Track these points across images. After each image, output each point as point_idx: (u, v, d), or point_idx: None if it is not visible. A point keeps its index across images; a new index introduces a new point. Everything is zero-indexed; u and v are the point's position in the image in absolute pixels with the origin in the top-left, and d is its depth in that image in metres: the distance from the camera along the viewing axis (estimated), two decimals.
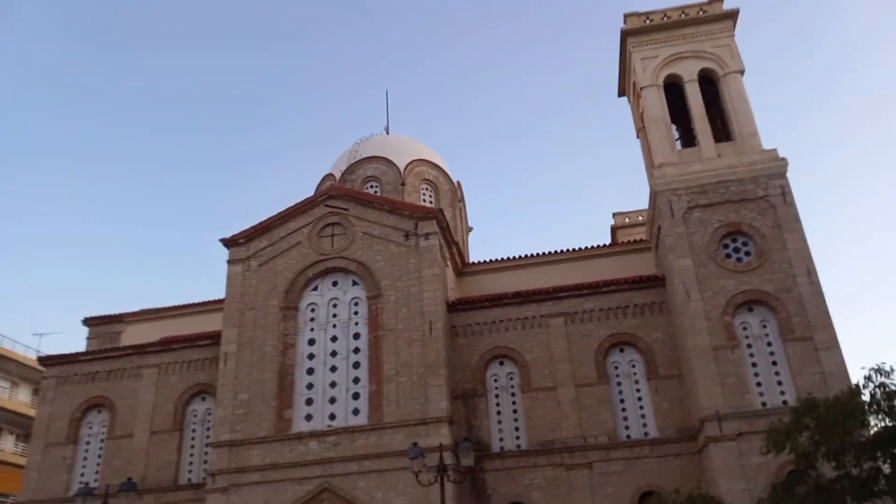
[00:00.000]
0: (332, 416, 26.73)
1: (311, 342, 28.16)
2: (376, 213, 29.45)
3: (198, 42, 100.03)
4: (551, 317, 28.25)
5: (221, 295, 29.99)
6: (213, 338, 29.58)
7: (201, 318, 33.35)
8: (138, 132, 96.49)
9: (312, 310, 28.74)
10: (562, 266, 32.27)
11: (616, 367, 27.39)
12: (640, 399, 26.73)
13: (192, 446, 29.30)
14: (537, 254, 33.23)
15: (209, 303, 33.97)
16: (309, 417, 26.84)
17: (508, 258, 33.49)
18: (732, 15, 29.44)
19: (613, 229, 40.67)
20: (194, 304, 34.79)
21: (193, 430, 29.58)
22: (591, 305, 28.18)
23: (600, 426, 26.12)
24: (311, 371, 27.65)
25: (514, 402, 27.50)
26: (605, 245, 33.89)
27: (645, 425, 26.27)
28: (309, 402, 27.14)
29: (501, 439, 27.05)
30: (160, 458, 28.74)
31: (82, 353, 31.81)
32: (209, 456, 27.20)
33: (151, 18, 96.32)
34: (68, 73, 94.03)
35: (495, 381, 28.01)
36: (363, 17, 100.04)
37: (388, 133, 42.65)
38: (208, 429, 29.08)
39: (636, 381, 27.02)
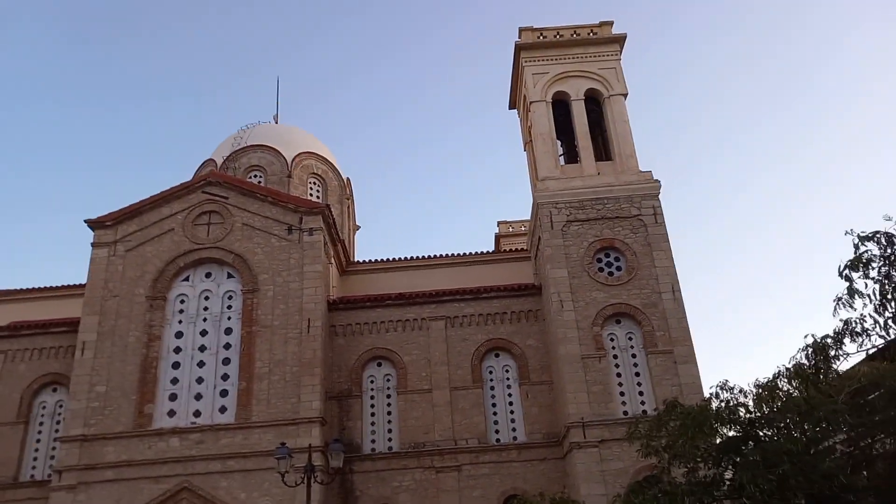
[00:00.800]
0: (198, 413, 25.56)
1: (179, 335, 26.81)
2: (258, 204, 28.47)
3: (77, 17, 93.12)
4: (432, 319, 28.44)
5: (83, 280, 27.98)
6: (70, 325, 27.54)
7: (58, 304, 30.82)
8: (10, 105, 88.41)
9: (182, 301, 27.36)
10: (446, 270, 32.56)
11: (491, 372, 27.95)
12: (511, 404, 27.41)
13: (39, 441, 27.12)
14: (423, 256, 33.35)
15: (68, 287, 31.49)
16: (172, 413, 25.54)
17: (394, 259, 33.39)
18: (619, 39, 30.85)
19: (498, 237, 41.60)
20: (51, 288, 32.09)
21: (41, 424, 27.41)
22: (472, 310, 28.63)
23: (472, 429, 26.54)
24: (176, 365, 26.32)
25: (388, 404, 27.45)
26: (488, 252, 34.59)
27: (514, 430, 26.95)
28: (173, 397, 25.82)
29: (374, 441, 26.90)
30: (0, 453, 26.33)
31: None
32: (57, 451, 25.26)
33: None
34: None
35: (372, 382, 27.83)
36: (258, 8, 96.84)
37: (276, 122, 41.38)
38: (58, 422, 27.03)
39: (508, 387, 27.69)
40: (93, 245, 27.93)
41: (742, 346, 72.23)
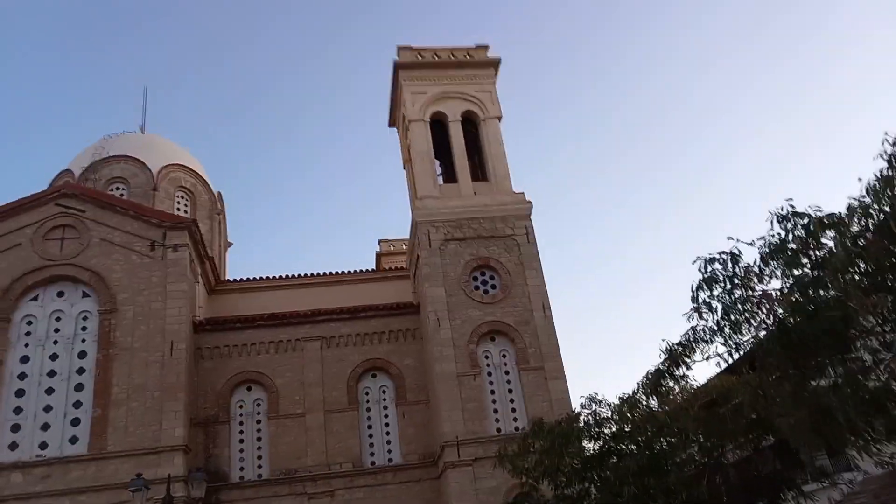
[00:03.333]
0: (44, 445, 23.37)
1: (25, 360, 24.48)
2: (118, 218, 26.65)
3: None
4: (307, 340, 27.67)
5: None
6: None
7: None
8: None
9: (29, 322, 25.04)
10: (324, 289, 31.73)
11: (367, 393, 27.51)
12: (387, 425, 27.05)
13: None
14: (299, 275, 32.40)
15: None
16: (14, 446, 23.21)
17: (267, 277, 32.20)
18: (494, 63, 31.68)
19: (378, 255, 41.30)
20: None
21: None
22: (349, 330, 28.12)
23: (346, 453, 25.94)
24: (21, 393, 23.98)
25: (258, 430, 26.32)
26: (369, 270, 34.15)
27: (390, 451, 26.60)
28: (15, 428, 23.48)
29: (242, 468, 25.66)
30: None
31: None
32: None
33: None
34: None
35: (241, 407, 26.62)
36: (129, 8, 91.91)
37: (143, 132, 39.12)
38: None
39: (385, 407, 27.33)
40: None
41: (612, 360, 75.74)
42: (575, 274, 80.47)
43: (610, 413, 15.96)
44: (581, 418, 16.27)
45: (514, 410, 25.56)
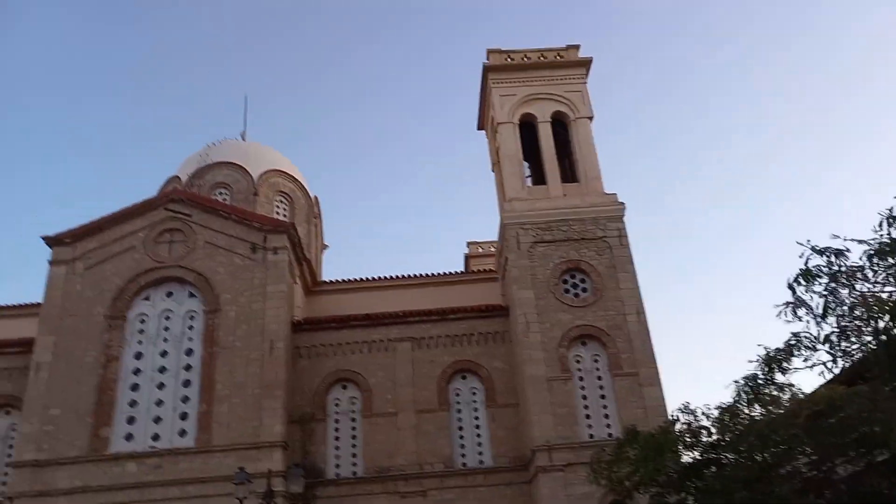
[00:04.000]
0: (156, 437, 24.88)
1: (139, 356, 26.14)
2: (222, 222, 28.03)
3: (39, 15, 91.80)
4: (398, 341, 28.13)
5: (38, 299, 27.21)
6: (24, 345, 26.69)
7: (12, 323, 29.90)
8: None
9: (142, 321, 26.73)
10: (415, 291, 32.22)
11: (457, 394, 27.67)
12: (478, 427, 27.11)
13: None
14: (391, 277, 33.02)
15: (23, 306, 30.60)
16: (130, 437, 24.83)
17: (361, 279, 33.02)
18: (585, 63, 31.19)
19: (467, 258, 41.51)
20: (5, 307, 31.16)
21: None
22: (439, 331, 28.38)
23: (437, 453, 26.19)
24: (135, 387, 25.63)
25: (353, 428, 26.95)
26: (457, 272, 34.40)
27: (481, 454, 26.64)
28: (131, 420, 25.11)
29: (338, 466, 26.38)
30: None
31: None
32: (8, 478, 24.35)
33: None
34: None
35: (336, 405, 27.36)
36: (229, 18, 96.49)
37: (244, 139, 40.95)
38: (11, 446, 26.10)
39: (475, 409, 27.41)
40: (50, 263, 27.25)
41: (708, 365, 72.89)
42: (669, 277, 77.93)
43: (707, 422, 15.38)
44: (676, 426, 15.75)
45: (606, 416, 25.06)
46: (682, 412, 15.65)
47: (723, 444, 15.57)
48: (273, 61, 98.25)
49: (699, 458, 15.98)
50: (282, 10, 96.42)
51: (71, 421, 24.59)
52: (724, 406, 14.76)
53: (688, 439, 15.24)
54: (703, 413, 15.36)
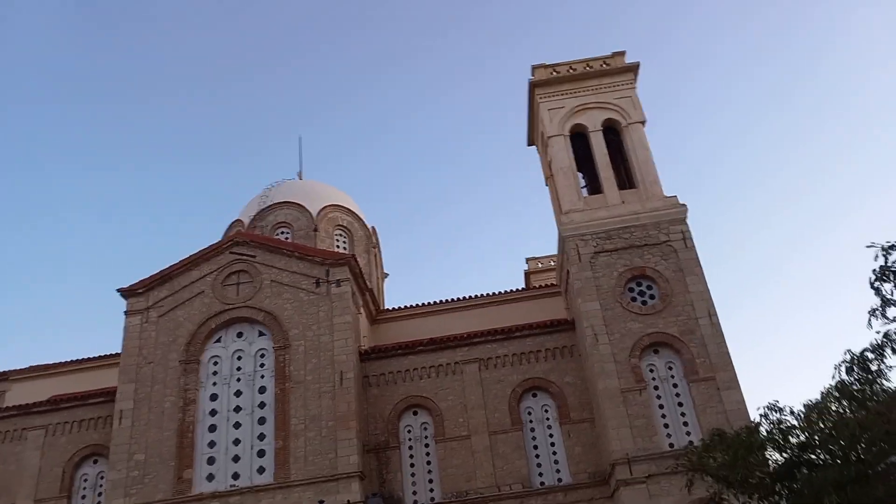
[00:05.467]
0: (236, 476, 25.33)
1: (214, 397, 26.79)
2: (285, 260, 28.66)
3: (98, 83, 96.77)
4: (465, 363, 27.98)
5: (117, 350, 28.31)
6: (108, 395, 27.77)
7: (95, 375, 31.26)
8: (34, 176, 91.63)
9: (215, 363, 27.42)
10: (477, 311, 32.24)
11: (529, 413, 27.26)
12: (553, 444, 26.60)
13: None
14: (452, 299, 33.14)
15: (104, 357, 31.97)
16: (211, 477, 25.36)
17: (423, 304, 33.21)
18: (633, 68, 30.79)
19: (527, 274, 41.22)
20: (87, 360, 32.62)
21: (83, 497, 27.38)
22: (505, 350, 28.12)
23: (514, 474, 25.77)
24: (213, 428, 26.23)
25: (427, 454, 26.84)
26: (519, 290, 34.25)
27: (558, 471, 26.10)
28: (211, 461, 25.66)
29: (415, 493, 26.24)
30: None
31: None
32: None
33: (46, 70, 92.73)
34: None
35: (409, 431, 27.32)
36: (276, 63, 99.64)
37: (300, 178, 42.01)
38: (100, 494, 26.99)
39: (549, 427, 26.92)
40: (126, 313, 28.33)
41: (785, 368, 69.76)
42: (738, 281, 75.31)
43: (796, 421, 14.68)
44: (762, 428, 15.08)
45: (685, 424, 24.23)
46: (770, 410, 14.96)
47: (813, 443, 14.85)
48: (321, 96, 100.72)
49: (789, 458, 15.27)
50: (318, 40, 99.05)
51: (155, 465, 25.30)
52: (812, 404, 14.08)
53: (777, 439, 14.54)
54: (790, 412, 14.68)
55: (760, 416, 15.27)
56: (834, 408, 13.69)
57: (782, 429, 14.64)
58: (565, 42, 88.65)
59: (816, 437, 14.56)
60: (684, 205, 27.67)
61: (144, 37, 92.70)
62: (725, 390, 24.01)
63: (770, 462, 16.00)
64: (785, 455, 15.27)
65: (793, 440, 14.83)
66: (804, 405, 14.61)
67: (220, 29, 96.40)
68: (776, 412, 14.91)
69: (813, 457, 14.70)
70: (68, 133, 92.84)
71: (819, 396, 14.06)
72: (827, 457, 14.59)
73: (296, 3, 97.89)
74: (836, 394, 13.23)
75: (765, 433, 14.95)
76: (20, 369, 32.86)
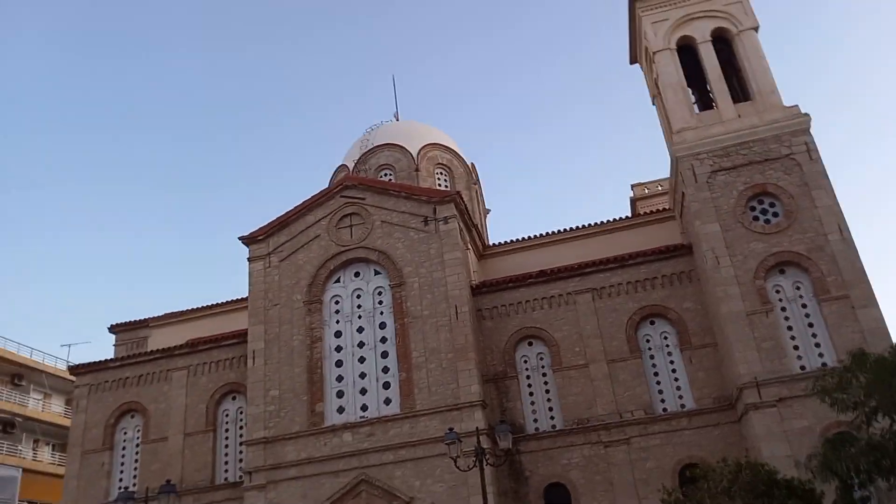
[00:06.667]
0: (364, 408, 26.59)
1: (338, 334, 27.99)
2: (393, 201, 29.12)
3: (198, 39, 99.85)
4: (578, 293, 27.81)
5: (245, 294, 29.92)
6: (240, 336, 29.54)
7: (226, 318, 33.33)
8: (147, 139, 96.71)
9: (336, 302, 28.55)
10: (584, 241, 31.78)
11: (648, 340, 26.93)
12: (674, 371, 26.26)
13: (227, 446, 29.31)
14: (557, 231, 32.75)
15: (233, 302, 33.93)
16: (341, 410, 26.73)
17: (528, 237, 33.01)
18: None
19: (633, 200, 40.07)
20: (218, 304, 34.77)
21: (226, 430, 29.57)
22: (619, 279, 27.70)
23: (635, 401, 25.72)
24: (339, 363, 27.50)
25: (545, 383, 27.15)
26: (626, 217, 33.41)
27: (681, 397, 25.83)
28: (340, 394, 27.01)
29: (536, 420, 26.74)
30: (196, 460, 28.77)
31: (111, 360, 31.84)
32: (244, 454, 27.21)
33: (147, 18, 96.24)
34: (67, 84, 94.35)
35: (525, 361, 27.67)
36: (364, 6, 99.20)
37: (397, 119, 42.17)
38: (241, 427, 29.08)
39: (669, 353, 26.54)
40: (249, 260, 29.76)
41: None
42: (867, 191, 70.29)
43: None
44: None
45: (817, 346, 23.25)
46: None
47: None
48: (414, 34, 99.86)
49: None
50: None
51: (289, 400, 26.91)
52: None
53: None
54: None
55: None
56: None
57: None
58: None
59: None
60: (807, 114, 25.86)
61: None
62: (861, 308, 22.76)
63: None
64: None
65: None
66: None
67: None
68: None
69: None
70: (182, 94, 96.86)
71: None
72: None
73: None
74: None
75: None
76: (158, 316, 35.43)
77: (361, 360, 27.35)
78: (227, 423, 29.73)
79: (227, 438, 29.46)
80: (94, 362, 31.58)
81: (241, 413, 29.35)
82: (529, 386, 27.32)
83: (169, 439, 29.24)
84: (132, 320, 35.55)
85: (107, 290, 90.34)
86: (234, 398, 29.98)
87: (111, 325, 35.76)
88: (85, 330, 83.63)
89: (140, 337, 35.13)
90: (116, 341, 35.54)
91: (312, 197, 29.92)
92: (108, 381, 31.01)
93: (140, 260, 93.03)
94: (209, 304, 35.03)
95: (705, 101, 29.29)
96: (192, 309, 35.09)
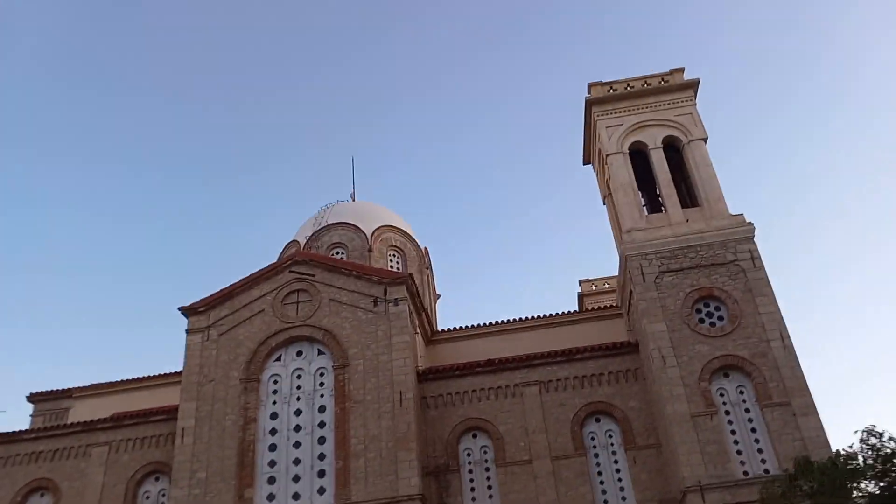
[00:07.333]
0: (297, 496, 25.14)
1: (274, 416, 26.76)
2: (344, 279, 28.68)
3: (155, 98, 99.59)
4: (525, 385, 27.45)
5: (179, 367, 28.56)
6: (170, 412, 27.96)
7: (157, 392, 31.69)
8: (97, 179, 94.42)
9: (275, 381, 27.44)
10: (532, 333, 31.78)
11: (593, 438, 26.53)
12: (618, 471, 25.79)
13: None
14: (507, 320, 32.74)
15: (166, 375, 32.38)
16: (271, 497, 25.22)
17: (478, 325, 32.84)
18: (693, 84, 30.27)
19: (580, 296, 40.51)
20: (149, 378, 33.08)
21: None
22: (566, 373, 27.51)
23: (579, 500, 25.02)
24: (273, 447, 26.15)
25: (488, 478, 26.25)
26: (574, 311, 33.69)
27: (624, 498, 25.27)
28: (271, 480, 25.55)
29: None
30: None
31: (25, 432, 29.59)
32: None
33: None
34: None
35: (468, 454, 26.82)
36: (326, 83, 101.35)
37: (354, 200, 42.31)
38: None
39: (613, 452, 26.14)
40: (187, 332, 28.61)
41: (869, 393, 66.80)
42: (806, 298, 72.92)
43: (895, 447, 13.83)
44: (860, 455, 14.25)
45: (760, 451, 23.22)
46: (869, 434, 14.14)
47: None
48: (375, 118, 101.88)
49: (887, 488, 14.39)
50: (368, 58, 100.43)
51: (216, 483, 25.30)
52: None
53: (877, 467, 13.70)
54: (890, 438, 13.84)
55: (859, 440, 14.44)
56: None
57: (883, 455, 13.79)
58: (615, 60, 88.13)
59: None
60: (751, 224, 26.88)
61: (201, 53, 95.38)
62: (802, 416, 22.98)
63: (858, 493, 15.12)
64: (882, 484, 14.39)
65: (893, 469, 13.96)
66: None
67: (270, 48, 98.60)
68: (875, 437, 14.08)
69: None
70: (132, 151, 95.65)
71: None
72: None
73: (348, 18, 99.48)
74: None
75: (862, 461, 14.11)
76: (83, 387, 33.46)
77: (297, 444, 26.07)
78: None
79: None
80: (5, 433, 29.28)
81: (164, 496, 27.41)
82: (472, 481, 26.36)
83: None
84: (53, 389, 33.47)
85: (29, 357, 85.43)
86: (157, 479, 28.06)
87: (30, 394, 33.56)
88: (1, 398, 78.11)
89: (61, 408, 33.01)
90: (34, 411, 33.30)
91: (260, 270, 29.28)
92: (19, 454, 28.71)
93: (69, 327, 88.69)
94: (139, 376, 33.28)
95: (655, 204, 30.25)
96: (121, 381, 33.28)
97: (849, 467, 14.14)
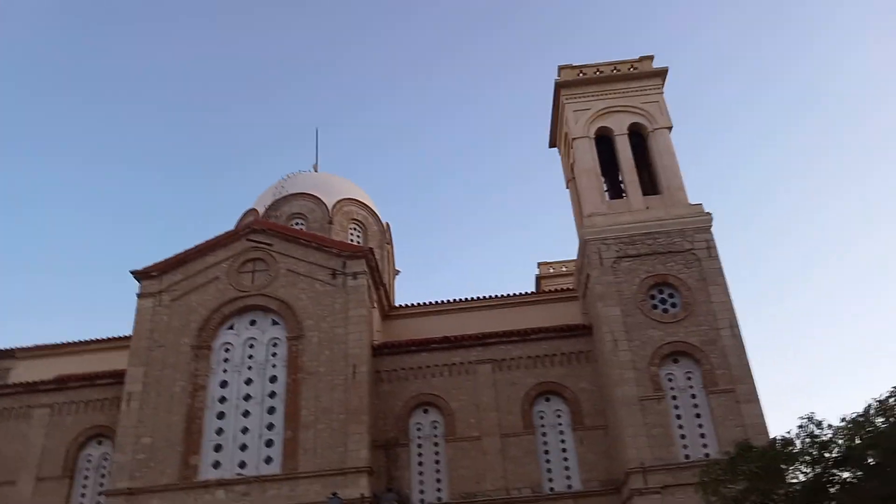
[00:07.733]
0: (243, 465, 24.94)
1: (224, 384, 26.42)
2: (302, 250, 28.29)
3: (127, 57, 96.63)
4: (479, 363, 27.61)
5: (129, 332, 27.93)
6: (116, 376, 27.40)
7: (104, 356, 30.87)
8: (56, 160, 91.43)
9: (227, 350, 27.05)
10: (489, 312, 31.85)
11: (542, 417, 26.87)
12: (564, 451, 26.21)
13: (83, 496, 26.70)
14: (464, 299, 32.75)
15: (114, 339, 31.56)
16: (217, 465, 24.97)
17: (435, 302, 32.80)
18: (661, 73, 30.48)
19: (538, 278, 40.82)
20: (96, 341, 32.21)
21: (86, 478, 27.02)
22: (520, 353, 27.74)
23: (525, 478, 25.38)
24: (221, 415, 25.85)
25: (437, 453, 26.43)
26: (531, 293, 33.89)
27: (569, 478, 25.70)
28: (218, 448, 25.28)
29: (422, 492, 25.84)
30: None
31: None
32: None
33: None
34: None
35: (419, 429, 26.93)
36: (298, 58, 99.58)
37: (316, 171, 41.69)
38: (103, 476, 26.65)
39: (561, 432, 26.53)
40: (139, 296, 27.98)
41: (810, 384, 69.08)
42: (763, 290, 74.69)
43: (832, 435, 14.27)
44: (798, 441, 14.67)
45: (703, 436, 23.81)
46: (809, 421, 14.55)
47: (844, 460, 14.45)
48: (341, 92, 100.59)
49: (819, 474, 14.87)
50: (343, 38, 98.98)
51: (162, 449, 24.93)
52: (852, 418, 13.68)
53: (813, 453, 14.13)
54: (829, 426, 14.27)
55: (798, 426, 14.85)
56: (878, 423, 13.30)
57: (820, 442, 14.22)
58: (590, 45, 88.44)
59: (850, 451, 14.16)
60: (709, 213, 27.31)
61: (168, 32, 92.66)
62: (745, 403, 23.61)
63: (792, 478, 15.59)
64: (817, 470, 14.85)
65: (827, 455, 14.42)
66: (842, 419, 14.20)
67: (240, 24, 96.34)
68: (814, 425, 14.50)
69: (847, 474, 14.29)
70: (88, 127, 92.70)
71: (861, 410, 13.65)
72: (861, 473, 14.20)
73: (320, 2, 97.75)
74: (882, 409, 12.84)
75: (799, 446, 14.54)
76: (26, 347, 32.48)
77: (246, 413, 25.80)
78: (88, 469, 27.18)
79: (84, 487, 26.89)
80: None
81: (106, 460, 26.95)
82: (420, 455, 26.51)
83: (17, 484, 26.38)
84: None
85: None
86: (100, 442, 27.59)
87: None
88: None
89: (2, 368, 32.01)
90: None
91: (217, 237, 28.70)
92: None
93: (17, 287, 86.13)
94: (86, 339, 32.43)
95: (617, 190, 30.50)
96: (66, 343, 32.35)
97: (786, 452, 14.54)
